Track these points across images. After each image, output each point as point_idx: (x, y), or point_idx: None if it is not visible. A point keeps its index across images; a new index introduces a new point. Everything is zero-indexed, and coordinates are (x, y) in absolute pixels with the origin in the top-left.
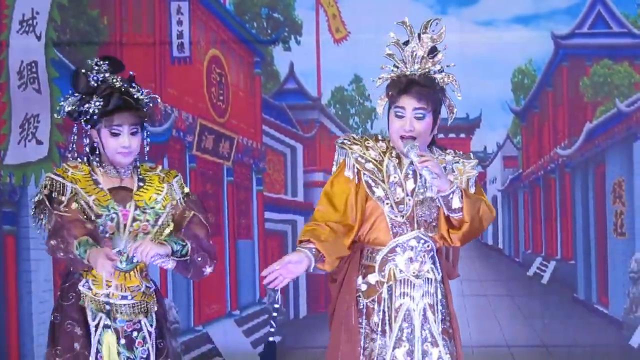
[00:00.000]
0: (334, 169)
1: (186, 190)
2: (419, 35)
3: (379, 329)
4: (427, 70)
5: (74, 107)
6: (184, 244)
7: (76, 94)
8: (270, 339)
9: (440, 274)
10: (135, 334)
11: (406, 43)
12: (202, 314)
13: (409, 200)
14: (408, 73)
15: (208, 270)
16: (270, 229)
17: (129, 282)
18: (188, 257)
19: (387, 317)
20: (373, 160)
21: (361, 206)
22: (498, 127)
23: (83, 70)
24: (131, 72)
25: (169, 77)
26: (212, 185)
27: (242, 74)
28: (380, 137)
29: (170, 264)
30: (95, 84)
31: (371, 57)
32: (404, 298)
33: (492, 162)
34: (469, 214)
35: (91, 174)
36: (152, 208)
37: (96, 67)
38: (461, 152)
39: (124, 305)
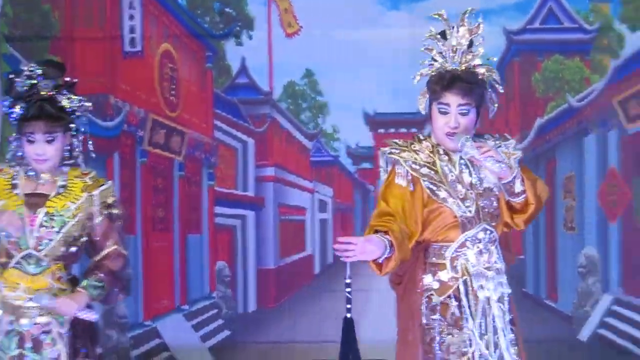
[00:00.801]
0: (383, 177)
1: (110, 200)
2: (455, 27)
3: (460, 323)
4: (468, 64)
5: (6, 110)
6: (101, 284)
7: (8, 98)
8: (348, 315)
9: (503, 264)
10: (43, 336)
11: (443, 35)
12: (151, 309)
13: (471, 194)
14: (449, 67)
15: (121, 297)
16: (221, 224)
17: (37, 285)
18: (106, 292)
19: (466, 311)
20: (427, 164)
21: (420, 212)
22: None
23: (11, 76)
24: (68, 79)
25: (120, 72)
26: (162, 179)
27: (194, 69)
28: (421, 137)
29: (94, 316)
30: (24, 90)
31: (323, 51)
32: (481, 291)
33: None
34: (533, 194)
35: (13, 177)
36: (61, 216)
37: (28, 72)
38: (497, 135)
39: (32, 307)
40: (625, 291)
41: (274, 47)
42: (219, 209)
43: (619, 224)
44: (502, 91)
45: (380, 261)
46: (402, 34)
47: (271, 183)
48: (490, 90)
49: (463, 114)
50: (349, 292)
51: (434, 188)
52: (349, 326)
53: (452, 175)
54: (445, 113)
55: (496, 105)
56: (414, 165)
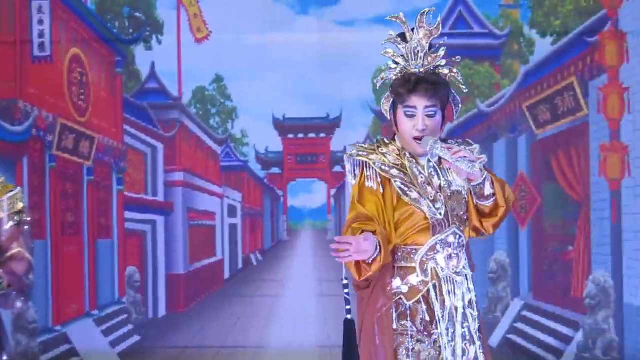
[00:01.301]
0: (352, 181)
1: (19, 206)
2: (413, 29)
3: (429, 328)
4: (430, 65)
5: None
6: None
7: None
8: (348, 316)
9: (470, 271)
10: None
11: (402, 38)
12: (61, 314)
13: (440, 196)
14: (413, 70)
15: (18, 305)
16: (131, 229)
17: None
18: (3, 292)
19: (437, 316)
20: (395, 165)
21: (391, 215)
22: (358, 126)
23: None
24: None
25: (29, 76)
26: (72, 184)
27: (103, 73)
28: (386, 140)
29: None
30: None
31: (232, 56)
32: (449, 296)
33: None
34: (502, 197)
35: None
36: None
37: None
38: (460, 140)
39: None
40: (535, 296)
41: (183, 52)
42: (128, 214)
43: (529, 230)
44: (466, 91)
45: (369, 261)
46: (312, 39)
47: (180, 188)
48: (453, 91)
49: (430, 116)
50: (346, 293)
51: (405, 189)
52: (349, 328)
53: (422, 177)
54: (412, 116)
55: (460, 106)
56: (383, 167)
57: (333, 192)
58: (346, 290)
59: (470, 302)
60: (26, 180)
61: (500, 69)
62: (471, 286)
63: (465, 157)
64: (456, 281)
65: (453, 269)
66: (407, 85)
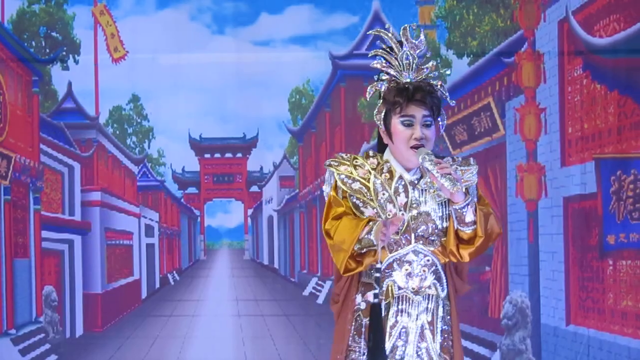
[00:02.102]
0: (325, 188)
1: None
2: (400, 42)
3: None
4: (420, 77)
5: None
6: None
7: None
8: (375, 300)
9: (445, 291)
10: None
11: (391, 50)
12: None
13: (402, 214)
14: (406, 80)
15: None
16: (48, 248)
17: None
18: None
19: (383, 336)
20: (361, 179)
21: None
22: (275, 146)
23: None
24: None
25: None
26: None
27: (20, 93)
28: (371, 154)
29: None
30: None
31: (149, 76)
32: (400, 316)
33: (268, 182)
34: (483, 228)
35: None
36: None
37: None
38: (460, 159)
39: None
40: None
41: (100, 72)
42: (45, 234)
43: None
44: (453, 104)
45: (363, 251)
46: (228, 59)
47: (97, 207)
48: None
49: (427, 126)
50: (377, 277)
51: (360, 205)
52: (375, 311)
53: (384, 194)
54: (409, 125)
55: (445, 121)
56: (345, 179)
57: (250, 212)
58: (377, 275)
59: (431, 322)
60: None
61: None
62: (432, 306)
63: (450, 174)
64: (412, 301)
65: (412, 288)
66: (405, 94)
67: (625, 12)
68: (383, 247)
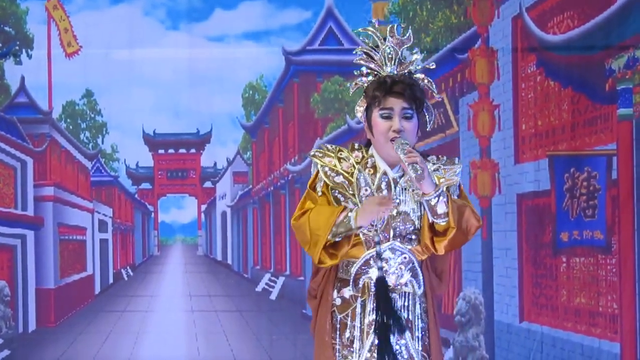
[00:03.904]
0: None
1: None
2: (384, 38)
3: (352, 345)
4: (405, 70)
5: None
6: None
7: None
8: (379, 275)
9: (422, 288)
10: None
11: (376, 47)
12: None
13: (395, 201)
14: (387, 73)
15: None
16: (0, 243)
17: None
18: None
19: (359, 333)
20: (344, 173)
21: None
22: (228, 142)
23: None
24: None
25: None
26: None
27: None
28: (356, 146)
29: None
30: None
31: (102, 71)
32: (375, 312)
33: (222, 177)
34: (455, 219)
35: None
36: None
37: None
38: (445, 158)
39: None
40: None
41: (53, 67)
42: None
43: None
44: (440, 99)
45: (337, 239)
46: (182, 54)
47: (50, 203)
48: (426, 101)
49: (407, 118)
50: (380, 250)
51: (341, 198)
52: (383, 283)
53: (366, 190)
54: (388, 117)
55: (434, 116)
56: (329, 172)
57: (203, 207)
58: (380, 247)
59: (409, 320)
60: None
61: None
62: (409, 304)
63: (416, 162)
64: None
65: (389, 286)
66: (384, 86)
67: (579, 9)
68: (361, 243)
